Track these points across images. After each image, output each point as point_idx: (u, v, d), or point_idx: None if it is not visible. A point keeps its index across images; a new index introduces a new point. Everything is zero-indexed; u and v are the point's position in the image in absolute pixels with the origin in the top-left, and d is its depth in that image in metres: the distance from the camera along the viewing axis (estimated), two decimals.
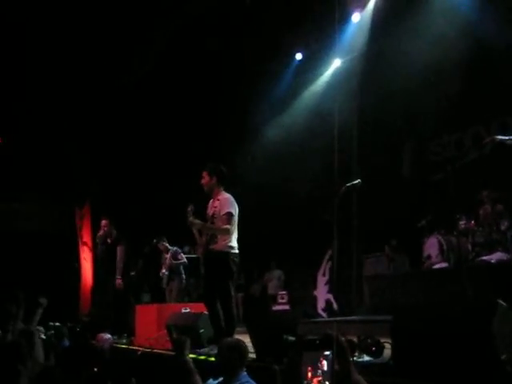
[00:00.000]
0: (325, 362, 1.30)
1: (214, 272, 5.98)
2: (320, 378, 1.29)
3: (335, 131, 10.12)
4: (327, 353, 1.29)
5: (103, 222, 9.42)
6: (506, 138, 4.37)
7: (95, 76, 12.01)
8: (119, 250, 9.05)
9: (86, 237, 14.59)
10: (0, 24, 10.33)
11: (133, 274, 10.75)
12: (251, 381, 4.11)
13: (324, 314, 10.37)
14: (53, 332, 8.04)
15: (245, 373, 4.14)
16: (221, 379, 4.21)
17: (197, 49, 11.66)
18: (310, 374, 1.29)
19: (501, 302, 3.21)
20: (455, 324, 3.39)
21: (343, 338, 1.43)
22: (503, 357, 3.02)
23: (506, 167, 7.99)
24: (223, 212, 5.96)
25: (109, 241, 9.29)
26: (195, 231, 6.19)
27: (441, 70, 9.76)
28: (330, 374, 1.28)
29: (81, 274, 14.58)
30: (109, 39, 10.98)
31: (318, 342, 1.34)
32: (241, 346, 4.24)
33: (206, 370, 4.60)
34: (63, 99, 12.73)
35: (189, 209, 6.06)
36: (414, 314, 3.81)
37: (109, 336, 6.83)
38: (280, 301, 11.38)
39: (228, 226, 5.90)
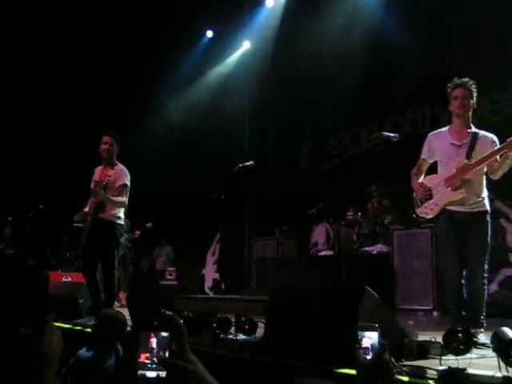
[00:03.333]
0: (153, 340, 1.35)
1: (98, 241, 5.86)
2: (147, 355, 1.34)
3: (246, 112, 10.29)
4: (165, 334, 1.34)
5: None
6: (392, 134, 4.61)
7: None
8: None
9: None
10: None
11: None
12: None
13: (211, 293, 10.46)
14: None
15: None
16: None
17: (106, 15, 11.23)
18: (140, 351, 1.35)
19: (368, 288, 3.37)
20: (324, 306, 3.53)
21: (182, 321, 1.46)
22: None
23: (392, 163, 8.42)
24: (119, 183, 5.91)
25: None
26: (92, 200, 6.03)
27: (345, 65, 10.05)
28: (159, 352, 1.34)
29: None
30: None
31: (156, 323, 1.37)
32: (119, 317, 4.18)
33: (81, 340, 4.51)
34: None
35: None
36: (287, 295, 3.92)
37: None
38: (168, 277, 11.35)
39: (125, 198, 5.92)
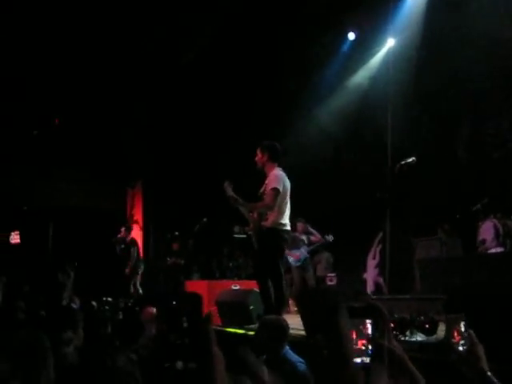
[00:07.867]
0: (369, 326, 1.35)
1: (264, 249, 5.99)
2: (364, 341, 1.35)
3: (389, 109, 10.09)
4: (369, 321, 1.34)
5: (122, 229, 12.33)
6: None
7: (149, 56, 12.11)
8: (132, 251, 11.88)
9: (138, 216, 14.89)
10: None
11: (169, 259, 11.88)
12: (296, 356, 4.10)
13: (373, 297, 10.27)
14: (107, 307, 8.28)
15: (287, 348, 4.15)
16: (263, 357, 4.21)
17: (252, 27, 11.55)
18: (354, 336, 1.35)
19: None
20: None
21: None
22: None
23: None
24: (269, 188, 5.92)
25: (122, 246, 12.10)
26: (241, 208, 6.15)
27: (497, 51, 9.44)
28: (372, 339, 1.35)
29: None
30: (165, 19, 11.00)
31: (359, 309, 1.38)
32: (281, 323, 4.23)
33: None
34: (117, 80, 12.89)
35: (225, 184, 6.00)
36: (469, 292, 3.72)
37: (154, 310, 6.93)
38: (329, 283, 11.33)
39: (268, 202, 5.86)
